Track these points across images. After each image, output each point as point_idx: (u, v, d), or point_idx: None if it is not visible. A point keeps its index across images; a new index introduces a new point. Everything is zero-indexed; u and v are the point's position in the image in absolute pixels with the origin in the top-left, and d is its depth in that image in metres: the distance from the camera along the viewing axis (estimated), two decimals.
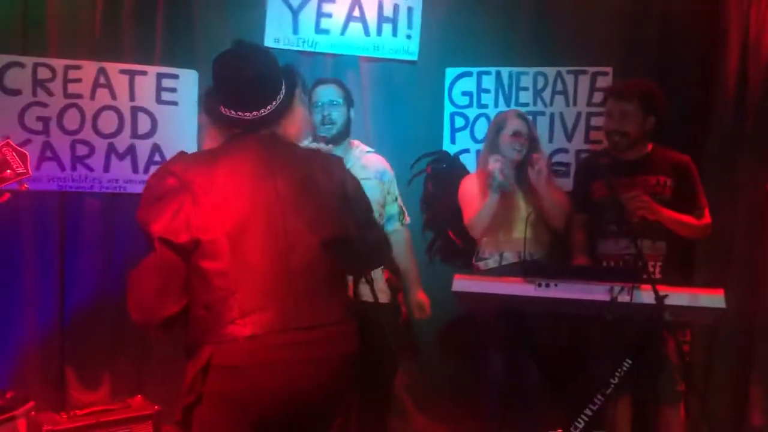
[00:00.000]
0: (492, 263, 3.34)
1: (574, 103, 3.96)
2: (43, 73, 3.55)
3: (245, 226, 1.86)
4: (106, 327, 3.69)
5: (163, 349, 3.69)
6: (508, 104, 3.98)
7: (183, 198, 1.84)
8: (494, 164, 3.21)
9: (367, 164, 3.18)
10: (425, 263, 3.68)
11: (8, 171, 1.54)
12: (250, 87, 1.97)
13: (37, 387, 3.50)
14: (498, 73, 4.01)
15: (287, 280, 1.87)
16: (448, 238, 3.73)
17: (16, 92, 3.52)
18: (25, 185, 1.55)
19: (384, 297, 3.04)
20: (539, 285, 2.76)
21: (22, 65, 3.52)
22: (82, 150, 3.62)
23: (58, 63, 3.57)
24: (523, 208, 3.31)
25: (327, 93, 3.15)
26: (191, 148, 3.73)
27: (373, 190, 3.03)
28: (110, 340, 3.71)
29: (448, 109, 4.04)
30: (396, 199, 3.29)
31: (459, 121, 4.05)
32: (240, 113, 1.98)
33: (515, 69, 3.99)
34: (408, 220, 3.35)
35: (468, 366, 3.70)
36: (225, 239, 1.83)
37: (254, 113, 1.98)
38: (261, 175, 1.93)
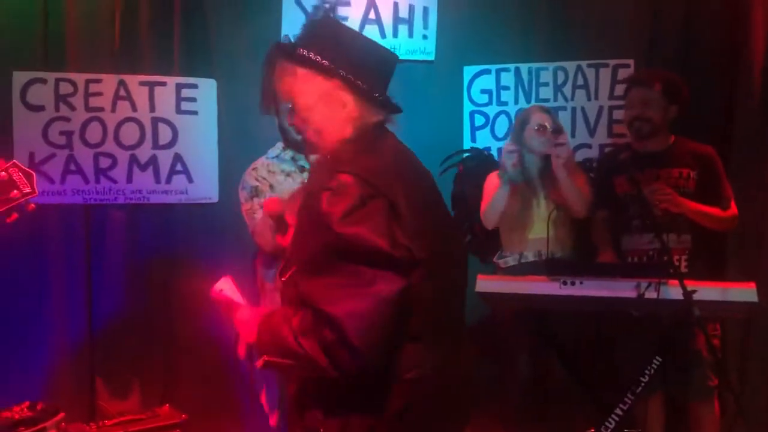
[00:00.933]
0: (512, 261, 3.31)
1: (596, 97, 3.91)
2: (65, 88, 3.60)
3: (434, 242, 1.64)
4: (134, 337, 3.73)
5: (190, 358, 3.72)
6: (528, 101, 3.94)
7: (383, 207, 1.57)
8: (506, 156, 3.20)
9: None
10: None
11: (15, 191, 1.55)
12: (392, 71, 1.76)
13: (67, 398, 3.55)
14: (517, 70, 3.97)
15: (459, 305, 1.79)
16: (476, 234, 3.71)
17: (39, 108, 3.57)
18: (32, 205, 1.57)
19: None
20: (564, 283, 2.72)
21: (44, 81, 3.57)
22: (105, 162, 3.66)
23: (79, 77, 3.62)
24: (544, 206, 3.28)
25: None
26: (212, 156, 3.78)
27: None
28: (138, 349, 3.75)
29: (468, 107, 4.02)
30: None
31: (479, 120, 4.02)
32: (386, 97, 1.73)
33: (534, 65, 3.95)
34: None
35: (493, 366, 3.67)
36: (426, 261, 1.59)
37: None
38: (425, 183, 1.75)
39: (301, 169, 2.91)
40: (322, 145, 1.72)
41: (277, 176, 2.88)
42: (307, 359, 1.53)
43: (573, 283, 2.71)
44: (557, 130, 3.31)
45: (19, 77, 3.54)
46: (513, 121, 3.75)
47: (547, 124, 3.29)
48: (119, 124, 3.68)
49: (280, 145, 2.96)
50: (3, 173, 1.57)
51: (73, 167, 3.62)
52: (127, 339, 3.72)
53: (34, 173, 1.57)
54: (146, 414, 3.28)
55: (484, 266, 3.50)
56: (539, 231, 3.21)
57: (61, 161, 3.58)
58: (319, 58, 1.66)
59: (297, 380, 1.74)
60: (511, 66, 3.97)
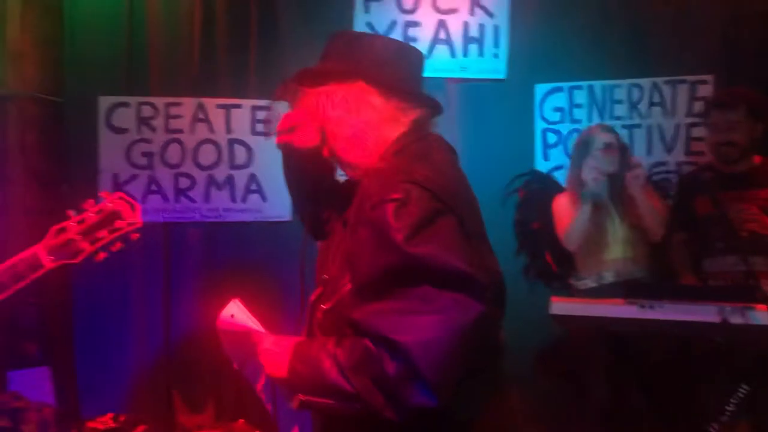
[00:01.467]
0: (591, 283, 3.24)
1: (673, 114, 3.80)
2: (147, 111, 3.75)
3: (494, 267, 1.53)
4: (210, 352, 3.82)
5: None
6: (602, 118, 3.87)
7: (455, 224, 1.41)
8: (588, 173, 3.14)
9: None
10: (527, 290, 3.61)
11: (120, 221, 1.64)
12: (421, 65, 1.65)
13: (148, 411, 3.66)
14: (590, 87, 3.90)
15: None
16: (544, 261, 3.65)
17: (123, 130, 3.73)
18: (136, 234, 1.64)
19: None
20: (642, 306, 2.64)
21: (127, 105, 3.73)
22: (184, 182, 3.79)
23: (160, 101, 3.77)
24: (620, 226, 3.21)
25: None
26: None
27: None
28: (213, 364, 3.84)
29: (540, 125, 3.97)
30: None
31: (551, 138, 3.97)
32: (420, 91, 1.62)
33: (608, 82, 3.87)
34: None
35: (568, 391, 3.58)
36: (491, 287, 1.45)
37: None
38: (476, 203, 1.58)
39: None
40: (360, 161, 1.55)
41: None
42: (358, 398, 1.33)
43: (652, 307, 2.63)
44: (624, 148, 3.25)
45: (105, 102, 3.71)
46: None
47: (612, 142, 3.23)
48: (197, 146, 3.80)
49: None
50: (109, 204, 1.65)
51: (154, 187, 3.75)
52: (203, 354, 3.82)
53: (138, 204, 1.65)
54: (221, 428, 3.35)
55: (549, 290, 3.44)
56: (616, 252, 3.15)
57: (143, 181, 3.72)
58: (333, 65, 1.56)
59: (326, 419, 1.52)
60: (584, 84, 3.91)
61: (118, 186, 3.66)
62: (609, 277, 3.19)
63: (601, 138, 3.24)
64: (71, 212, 1.67)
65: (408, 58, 1.62)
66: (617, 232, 3.20)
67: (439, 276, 1.34)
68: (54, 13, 3.73)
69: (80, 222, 1.64)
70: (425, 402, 1.31)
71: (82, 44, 3.75)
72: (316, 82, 1.58)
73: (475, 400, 1.45)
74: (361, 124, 1.54)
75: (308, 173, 1.75)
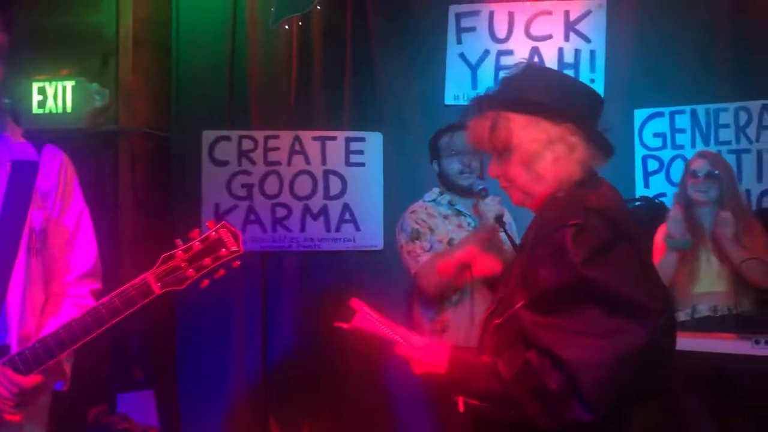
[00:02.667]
0: (684, 316, 3.08)
1: None
2: (247, 144, 3.90)
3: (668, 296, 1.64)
4: (306, 377, 3.88)
5: (359, 398, 3.79)
6: (706, 143, 3.71)
7: (632, 252, 1.49)
8: (671, 223, 3.02)
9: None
10: None
11: (223, 250, 1.71)
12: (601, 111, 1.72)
13: None
14: (693, 111, 3.76)
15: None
16: None
17: (224, 163, 3.89)
18: (237, 262, 1.72)
19: None
20: (756, 342, 2.48)
21: (228, 138, 3.90)
22: (281, 212, 3.90)
23: (259, 134, 3.91)
24: (715, 260, 3.05)
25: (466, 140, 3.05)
26: (377, 206, 3.89)
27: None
28: (310, 389, 3.89)
29: (640, 152, 3.85)
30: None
31: (652, 164, 3.83)
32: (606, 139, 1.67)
33: (713, 105, 3.72)
34: None
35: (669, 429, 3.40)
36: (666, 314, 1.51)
37: None
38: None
39: (458, 213, 2.94)
40: (540, 191, 1.62)
41: (436, 219, 2.93)
42: (512, 404, 1.46)
43: None
44: (710, 175, 3.10)
45: (208, 136, 3.89)
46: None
47: (703, 169, 3.13)
48: (294, 177, 3.91)
49: (436, 190, 3.01)
50: (213, 233, 1.70)
51: (252, 217, 3.88)
52: (299, 379, 3.88)
53: (240, 233, 1.71)
54: None
55: None
56: (710, 285, 2.99)
57: (242, 212, 3.86)
58: (551, 103, 1.61)
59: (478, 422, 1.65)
60: (687, 108, 3.76)
61: (218, 216, 3.81)
62: (704, 310, 3.03)
63: (694, 164, 3.17)
64: (179, 241, 1.73)
65: (600, 108, 1.71)
66: (712, 266, 3.05)
67: (609, 301, 1.41)
68: (163, 53, 3.96)
69: (186, 250, 1.70)
70: (581, 417, 1.39)
71: (187, 82, 3.95)
72: (521, 111, 1.62)
73: (629, 424, 1.51)
74: (553, 162, 1.60)
75: None
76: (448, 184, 2.96)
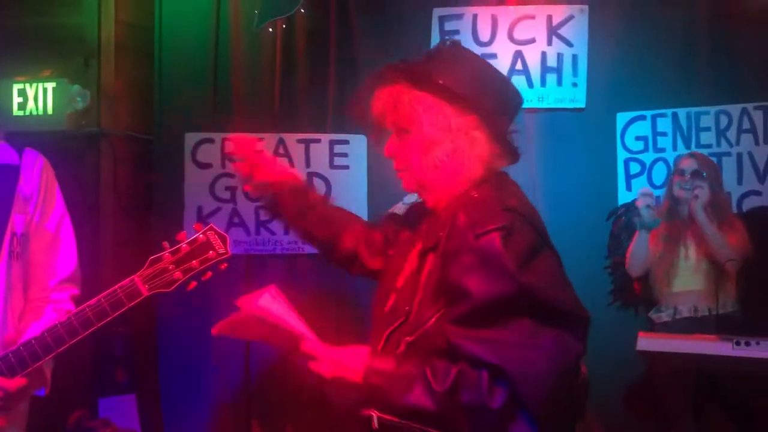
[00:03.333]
0: (666, 317, 3.13)
1: (765, 142, 3.63)
2: (230, 147, 3.87)
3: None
4: (289, 381, 3.85)
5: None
6: (687, 146, 3.74)
7: (557, 260, 1.46)
8: (640, 200, 3.09)
9: None
10: (606, 305, 3.53)
11: (211, 252, 1.71)
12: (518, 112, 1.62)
13: None
14: (674, 115, 3.79)
15: None
16: (630, 286, 3.56)
17: (207, 165, 3.87)
18: (225, 264, 1.72)
19: None
20: (737, 343, 2.51)
21: (212, 141, 3.88)
22: (264, 215, 3.87)
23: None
24: (693, 257, 3.09)
25: None
26: (362, 209, 3.89)
27: None
28: (292, 393, 3.86)
29: (622, 155, 3.87)
30: None
31: (634, 167, 3.86)
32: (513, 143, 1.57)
33: (694, 109, 3.76)
34: None
35: (651, 429, 3.43)
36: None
37: None
38: None
39: None
40: (436, 184, 1.52)
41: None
42: (441, 421, 1.30)
43: (748, 344, 2.49)
44: (696, 174, 3.15)
45: (191, 138, 3.86)
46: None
47: (688, 168, 3.19)
48: None
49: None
50: (201, 235, 1.71)
51: (236, 220, 3.86)
52: (281, 384, 3.86)
53: (227, 236, 1.71)
54: None
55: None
56: (688, 283, 3.03)
57: (226, 214, 3.83)
58: (459, 89, 1.49)
59: None
60: (668, 111, 3.80)
61: (202, 218, 3.79)
62: (684, 310, 3.07)
63: (682, 164, 3.22)
64: (166, 243, 1.73)
65: (517, 108, 1.60)
66: (690, 264, 3.09)
67: (542, 310, 1.33)
68: (145, 58, 3.93)
69: (174, 252, 1.71)
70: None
71: (170, 85, 3.92)
72: (427, 90, 1.51)
73: None
74: (453, 152, 1.49)
75: None
76: None
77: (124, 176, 3.81)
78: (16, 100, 3.62)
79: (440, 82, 1.49)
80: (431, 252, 1.47)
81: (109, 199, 3.73)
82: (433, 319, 1.40)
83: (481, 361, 1.31)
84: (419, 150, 1.52)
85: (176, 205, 3.82)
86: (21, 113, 3.61)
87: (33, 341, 1.74)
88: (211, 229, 1.72)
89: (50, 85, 3.63)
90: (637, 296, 3.49)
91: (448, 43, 1.61)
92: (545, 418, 1.32)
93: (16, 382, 1.75)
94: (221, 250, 1.70)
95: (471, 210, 1.43)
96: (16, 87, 3.62)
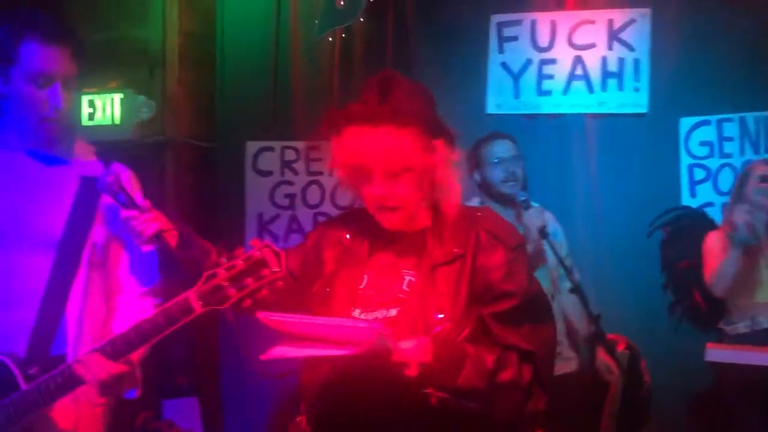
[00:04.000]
0: (743, 328, 3.01)
1: None
2: (289, 155, 3.94)
3: None
4: None
5: None
6: (756, 152, 3.63)
7: None
8: (739, 216, 2.94)
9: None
10: (672, 328, 3.42)
11: (265, 270, 1.66)
12: None
13: None
14: (742, 120, 3.68)
15: None
16: (693, 300, 3.44)
17: (268, 173, 3.94)
18: (281, 283, 1.68)
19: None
20: None
21: (271, 149, 3.95)
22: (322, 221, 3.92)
23: (301, 145, 3.94)
24: None
25: (508, 148, 3.02)
26: None
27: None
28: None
29: (685, 161, 3.77)
30: (567, 255, 3.08)
31: (699, 173, 3.76)
32: None
33: (763, 113, 3.64)
34: (578, 277, 3.14)
35: None
36: None
37: None
38: None
39: None
40: (425, 211, 1.73)
41: None
42: (492, 398, 1.54)
43: None
44: None
45: (252, 147, 3.94)
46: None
47: (766, 173, 3.05)
48: (335, 187, 3.93)
49: (476, 199, 3.01)
50: (257, 252, 1.67)
51: (295, 226, 3.92)
52: None
53: (283, 253, 1.67)
54: None
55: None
56: None
57: (285, 221, 3.90)
58: (433, 120, 1.71)
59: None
60: (735, 116, 3.69)
61: (262, 225, 3.86)
62: (764, 322, 2.95)
63: (760, 170, 3.06)
64: (223, 259, 1.71)
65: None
66: None
67: (545, 302, 1.76)
68: (207, 65, 4.03)
69: (229, 269, 1.68)
70: (541, 405, 1.62)
71: (231, 94, 4.01)
72: (405, 123, 1.64)
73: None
74: (446, 181, 1.71)
75: None
76: (490, 192, 2.95)
77: (187, 183, 3.91)
78: (86, 110, 3.76)
79: (425, 115, 1.68)
80: (444, 266, 1.66)
81: (172, 206, 3.83)
82: (474, 322, 1.62)
83: (520, 348, 1.59)
84: (417, 186, 1.67)
85: (238, 212, 3.90)
86: (90, 123, 3.75)
87: (95, 349, 1.78)
88: (268, 245, 1.67)
89: (117, 96, 3.76)
90: (701, 306, 3.39)
91: (388, 75, 1.75)
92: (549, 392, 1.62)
93: (119, 368, 1.80)
94: (275, 269, 1.65)
95: (490, 228, 1.69)
96: (85, 98, 3.75)
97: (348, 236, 1.79)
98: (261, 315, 1.55)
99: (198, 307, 1.70)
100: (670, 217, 3.59)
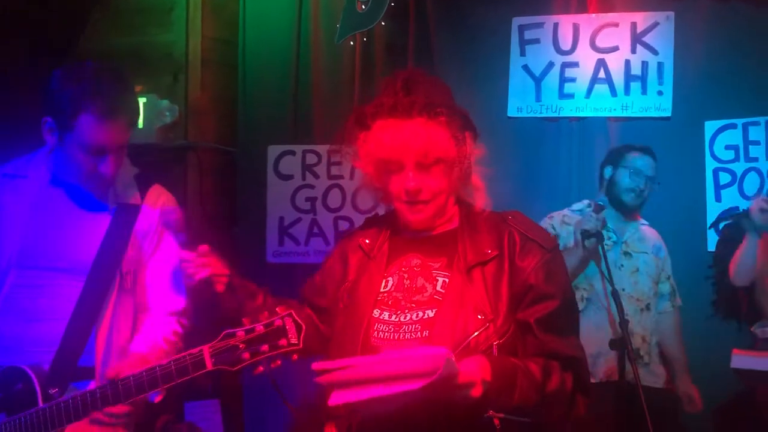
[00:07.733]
0: None
1: None
2: (311, 159, 3.95)
3: None
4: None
5: None
6: None
7: None
8: (756, 203, 2.92)
9: (645, 237, 3.09)
10: (708, 315, 3.41)
11: (283, 340, 1.62)
12: None
13: None
14: None
15: None
16: (736, 297, 3.39)
17: (289, 177, 3.95)
18: (295, 356, 1.63)
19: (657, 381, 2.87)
20: None
21: (293, 153, 3.96)
22: (343, 225, 3.92)
23: (323, 149, 3.96)
24: None
25: (650, 166, 3.29)
26: None
27: (648, 265, 3.11)
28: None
29: (710, 165, 3.73)
30: (669, 277, 3.16)
31: (724, 177, 3.71)
32: None
33: None
34: (679, 301, 3.15)
35: None
36: None
37: None
38: None
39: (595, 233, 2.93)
40: (452, 206, 1.74)
41: (567, 227, 3.06)
42: (544, 409, 1.54)
43: None
44: None
45: (273, 150, 3.96)
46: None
47: None
48: (356, 191, 3.94)
49: (586, 201, 3.17)
50: (279, 320, 1.62)
51: (316, 230, 3.93)
52: None
53: (304, 326, 1.63)
54: None
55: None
56: None
57: (306, 224, 3.91)
58: (459, 112, 1.71)
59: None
60: (762, 119, 3.64)
61: (283, 228, 3.87)
62: None
63: None
64: (246, 320, 1.69)
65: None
66: None
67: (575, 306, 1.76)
68: (229, 70, 4.06)
69: (248, 331, 1.64)
70: (582, 410, 1.60)
71: (253, 98, 4.04)
72: (435, 114, 1.65)
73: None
74: (473, 175, 1.73)
75: None
76: (610, 191, 3.19)
77: (210, 187, 3.93)
78: None
79: (455, 107, 1.69)
80: (479, 267, 1.63)
81: (195, 209, 3.86)
82: (515, 323, 1.61)
83: (561, 354, 1.58)
84: (448, 178, 1.66)
85: (259, 216, 3.91)
86: None
87: (106, 386, 1.81)
88: (291, 315, 1.63)
89: (141, 101, 3.79)
90: (741, 309, 3.33)
91: (410, 69, 1.86)
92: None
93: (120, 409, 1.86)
94: (293, 341, 1.61)
95: (522, 229, 1.69)
96: None
97: (367, 241, 1.78)
98: (316, 366, 1.49)
99: (210, 365, 1.68)
100: (726, 222, 3.54)
